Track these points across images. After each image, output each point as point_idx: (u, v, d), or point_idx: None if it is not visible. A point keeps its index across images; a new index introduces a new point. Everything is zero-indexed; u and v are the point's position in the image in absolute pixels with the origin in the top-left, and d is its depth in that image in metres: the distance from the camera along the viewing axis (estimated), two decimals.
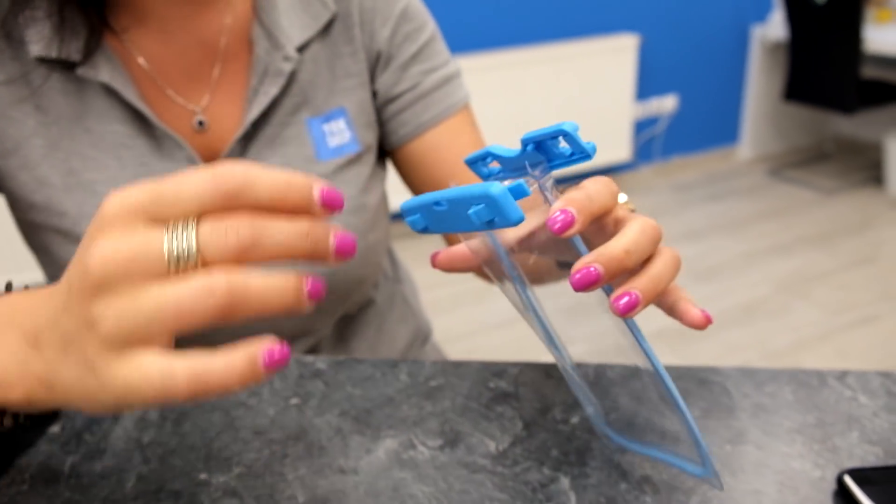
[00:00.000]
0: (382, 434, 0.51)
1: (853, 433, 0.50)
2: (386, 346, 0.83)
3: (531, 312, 0.43)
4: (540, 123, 3.13)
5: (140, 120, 0.62)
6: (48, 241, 0.63)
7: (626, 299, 0.36)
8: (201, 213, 0.30)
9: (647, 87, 3.44)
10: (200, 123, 0.64)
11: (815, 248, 2.84)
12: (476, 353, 2.19)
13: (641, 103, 3.45)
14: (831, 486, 0.45)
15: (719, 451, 0.48)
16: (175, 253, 0.29)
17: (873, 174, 3.50)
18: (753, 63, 3.61)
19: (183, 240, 0.29)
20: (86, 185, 0.61)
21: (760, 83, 3.65)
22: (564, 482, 0.46)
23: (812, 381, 0.55)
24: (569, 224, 0.35)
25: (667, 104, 3.53)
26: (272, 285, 0.30)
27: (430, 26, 0.72)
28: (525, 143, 0.38)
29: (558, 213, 0.35)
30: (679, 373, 0.57)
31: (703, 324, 0.40)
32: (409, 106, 0.71)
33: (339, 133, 0.68)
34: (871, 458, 0.47)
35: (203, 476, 0.47)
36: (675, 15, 3.36)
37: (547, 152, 0.39)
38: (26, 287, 0.40)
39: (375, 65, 0.70)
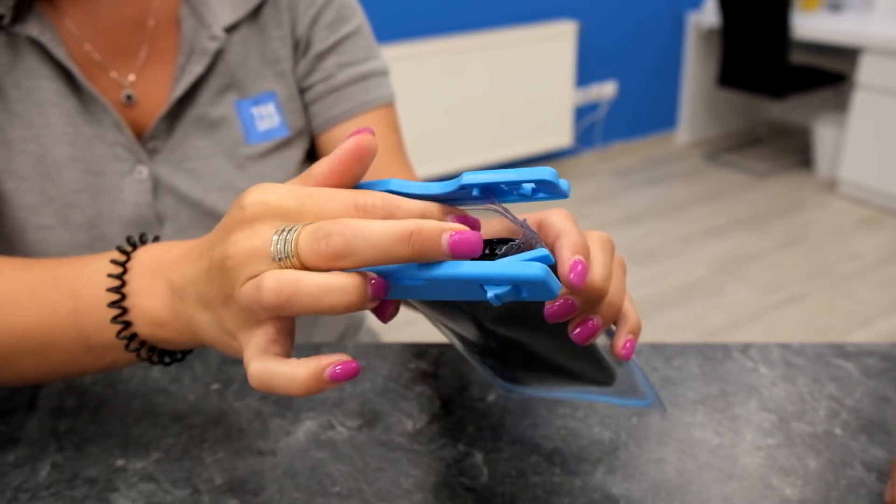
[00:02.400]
0: (302, 416, 0.52)
1: (752, 402, 0.52)
2: (321, 332, 0.84)
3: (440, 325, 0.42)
4: (481, 111, 3.16)
5: (69, 80, 0.62)
6: None
7: (586, 325, 0.36)
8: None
9: (586, 73, 3.49)
10: (129, 98, 0.64)
11: (749, 230, 2.93)
12: (419, 340, 2.20)
13: (582, 89, 3.50)
14: (729, 452, 0.48)
15: (626, 424, 0.51)
16: (277, 253, 0.31)
17: (803, 157, 3.62)
18: (689, 49, 3.69)
19: (284, 242, 0.31)
20: (11, 142, 0.61)
21: (696, 69, 3.74)
22: (478, 457, 0.48)
23: (717, 355, 0.58)
24: (585, 274, 0.34)
25: (606, 90, 3.59)
26: (328, 285, 0.30)
27: (357, 20, 0.72)
28: (468, 186, 0.33)
29: (576, 265, 0.34)
30: None
31: (620, 356, 0.40)
32: (320, 98, 0.70)
33: (268, 117, 0.69)
34: (766, 424, 0.50)
35: (120, 462, 0.47)
36: (612, 1, 3.41)
37: (495, 190, 0.34)
38: (156, 238, 0.45)
39: (296, 49, 0.70)
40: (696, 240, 2.87)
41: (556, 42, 3.22)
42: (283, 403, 0.53)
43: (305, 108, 0.72)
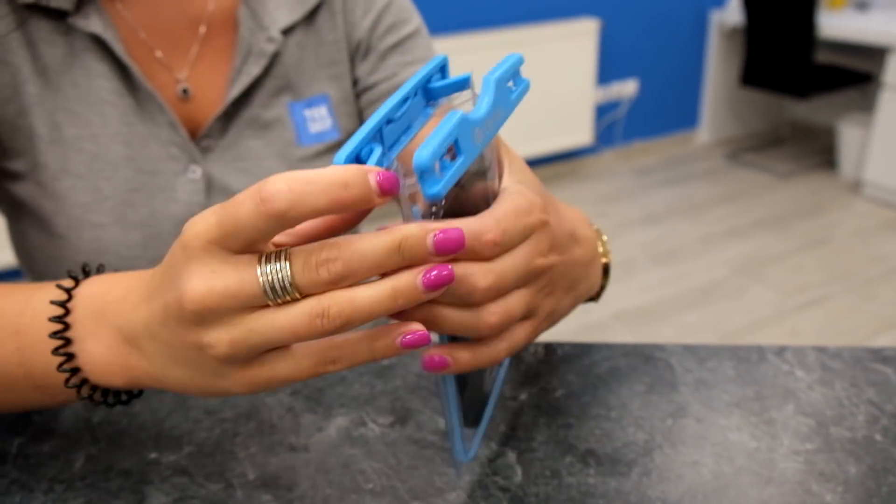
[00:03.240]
0: (334, 412, 0.52)
1: (789, 406, 0.52)
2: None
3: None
4: None
5: (126, 78, 0.62)
6: (25, 193, 0.63)
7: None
8: (278, 243, 0.32)
9: (608, 71, 3.47)
10: (185, 91, 0.65)
11: (770, 231, 2.91)
12: None
13: (603, 87, 3.48)
14: (766, 456, 0.47)
15: (661, 425, 0.50)
16: (272, 289, 0.30)
17: (826, 158, 3.58)
18: (712, 48, 3.66)
19: (277, 279, 0.30)
20: (68, 141, 0.62)
21: (719, 68, 3.71)
22: (511, 456, 0.47)
23: (752, 357, 0.57)
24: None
25: (628, 88, 3.57)
26: (379, 295, 0.31)
27: (415, 22, 0.72)
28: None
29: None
30: (626, 350, 0.58)
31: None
32: (384, 96, 0.71)
33: (320, 119, 0.69)
34: (804, 429, 0.49)
35: (153, 455, 0.47)
36: None
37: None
38: (100, 269, 0.43)
39: (355, 53, 0.70)
40: (717, 240, 2.84)
41: (578, 40, 3.21)
42: (314, 399, 0.53)
43: (366, 106, 0.72)
